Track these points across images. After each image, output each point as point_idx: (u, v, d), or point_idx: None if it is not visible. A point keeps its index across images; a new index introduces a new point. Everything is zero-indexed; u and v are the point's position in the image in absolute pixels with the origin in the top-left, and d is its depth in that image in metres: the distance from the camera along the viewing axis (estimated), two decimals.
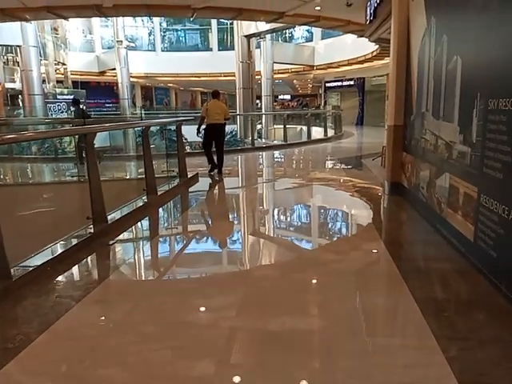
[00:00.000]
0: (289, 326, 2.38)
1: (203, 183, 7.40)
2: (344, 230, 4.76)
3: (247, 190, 7.34)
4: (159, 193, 5.76)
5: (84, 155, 4.10)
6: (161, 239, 4.39)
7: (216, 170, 7.88)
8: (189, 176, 7.16)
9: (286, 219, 5.31)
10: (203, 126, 7.79)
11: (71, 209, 4.59)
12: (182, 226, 5.03)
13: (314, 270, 3.29)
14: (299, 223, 5.17)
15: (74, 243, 3.71)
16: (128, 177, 7.93)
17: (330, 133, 16.32)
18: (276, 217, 5.40)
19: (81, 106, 12.02)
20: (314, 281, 3.09)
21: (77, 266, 3.35)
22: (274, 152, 12.40)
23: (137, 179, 6.25)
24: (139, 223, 4.69)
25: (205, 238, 4.44)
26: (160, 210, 5.42)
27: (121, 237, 4.09)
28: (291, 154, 12.12)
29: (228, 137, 14.28)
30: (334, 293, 2.85)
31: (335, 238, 4.39)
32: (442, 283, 3.01)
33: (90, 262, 3.50)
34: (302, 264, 3.44)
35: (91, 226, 4.12)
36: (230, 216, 5.48)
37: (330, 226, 4.96)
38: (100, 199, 4.18)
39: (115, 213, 4.60)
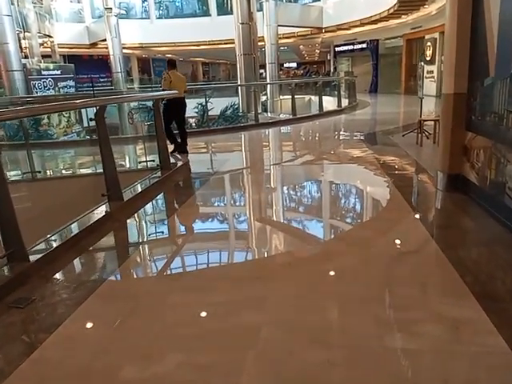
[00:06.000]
0: None
1: (192, 176, 5.85)
2: (398, 264, 2.80)
3: (253, 187, 5.37)
4: (128, 196, 4.24)
5: None
6: (115, 291, 2.54)
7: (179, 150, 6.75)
8: (176, 166, 5.64)
9: (304, 234, 3.77)
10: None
11: None
12: (157, 257, 3.25)
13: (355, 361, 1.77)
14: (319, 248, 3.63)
15: None
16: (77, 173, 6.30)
17: (344, 103, 14.45)
18: (298, 233, 3.84)
19: None
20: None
21: None
22: (282, 128, 10.61)
23: (95, 176, 4.66)
24: (84, 257, 2.96)
25: (190, 283, 2.74)
26: (128, 223, 3.87)
27: (44, 289, 2.55)
28: (302, 130, 10.33)
29: (229, 111, 12.61)
30: None
31: (389, 282, 2.56)
32: None
33: None
34: (326, 336, 1.91)
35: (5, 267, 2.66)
36: (233, 233, 3.87)
37: (378, 253, 3.09)
38: (13, 224, 2.67)
39: (48, 241, 3.07)
